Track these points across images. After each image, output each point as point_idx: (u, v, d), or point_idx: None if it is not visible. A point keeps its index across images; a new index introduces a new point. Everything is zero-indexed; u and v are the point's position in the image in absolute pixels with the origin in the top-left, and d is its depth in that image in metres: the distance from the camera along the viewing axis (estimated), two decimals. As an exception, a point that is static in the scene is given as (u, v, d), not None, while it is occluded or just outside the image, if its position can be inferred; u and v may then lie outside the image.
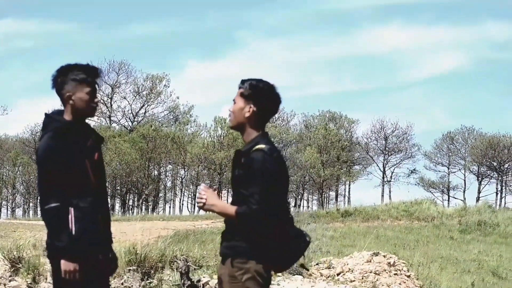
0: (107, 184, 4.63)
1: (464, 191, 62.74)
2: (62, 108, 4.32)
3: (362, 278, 12.94)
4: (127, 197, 58.46)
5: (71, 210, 4.07)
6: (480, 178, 62.33)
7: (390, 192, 61.35)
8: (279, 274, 11.45)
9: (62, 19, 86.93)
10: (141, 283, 10.17)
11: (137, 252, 10.51)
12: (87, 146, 4.21)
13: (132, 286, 10.09)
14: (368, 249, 15.52)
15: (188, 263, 10.18)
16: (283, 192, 3.99)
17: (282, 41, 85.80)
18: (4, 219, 42.37)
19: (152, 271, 10.47)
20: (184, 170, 59.08)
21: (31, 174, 56.70)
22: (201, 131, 58.40)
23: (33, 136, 58.72)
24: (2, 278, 10.47)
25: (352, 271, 13.16)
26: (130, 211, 56.51)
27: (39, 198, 4.14)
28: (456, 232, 31.37)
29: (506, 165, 60.85)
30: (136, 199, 58.34)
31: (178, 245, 12.27)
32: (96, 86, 4.25)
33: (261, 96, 3.99)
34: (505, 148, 60.13)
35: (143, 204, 56.46)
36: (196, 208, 51.67)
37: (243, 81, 4.05)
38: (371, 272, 13.12)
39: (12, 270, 10.64)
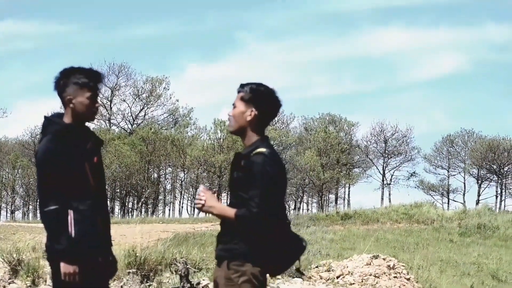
0: (106, 187, 4.63)
1: (464, 194, 62.79)
2: (62, 110, 4.32)
3: (362, 281, 12.93)
4: (127, 200, 58.43)
5: (71, 212, 4.07)
6: (480, 181, 62.32)
7: (389, 195, 61.38)
8: (279, 277, 11.44)
9: (62, 20, 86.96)
10: (140, 286, 10.16)
11: (137, 254, 10.51)
12: (87, 149, 4.21)
13: (131, 288, 10.08)
14: (368, 252, 15.52)
15: (187, 266, 10.18)
16: (282, 196, 3.99)
17: (282, 42, 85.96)
18: (4, 221, 42.35)
19: (152, 274, 10.47)
20: (184, 173, 59.08)
21: (30, 176, 56.69)
22: (201, 133, 58.44)
23: (33, 138, 58.70)
24: (2, 280, 10.46)
25: (351, 274, 13.15)
26: (130, 214, 56.49)
27: (38, 200, 4.14)
28: (455, 235, 31.35)
29: (506, 168, 60.84)
30: (135, 201, 58.32)
31: (178, 247, 12.27)
32: (97, 91, 4.25)
33: (262, 100, 3.99)
34: (505, 151, 60.12)
35: (143, 207, 56.42)
36: (196, 211, 51.82)
37: (242, 85, 4.04)
38: (370, 275, 13.11)
39: (12, 272, 10.64)
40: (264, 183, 3.80)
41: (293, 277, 11.99)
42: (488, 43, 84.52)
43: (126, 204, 58.16)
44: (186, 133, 59.42)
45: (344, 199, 63.49)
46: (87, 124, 4.33)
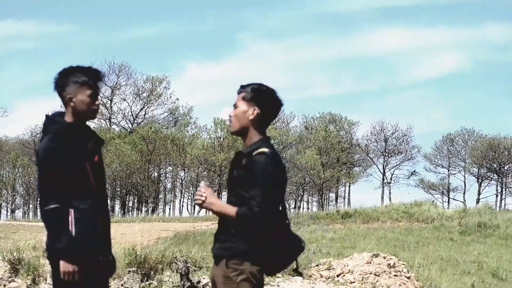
0: (107, 186, 4.64)
1: (464, 193, 62.84)
2: (63, 110, 4.33)
3: (362, 280, 12.94)
4: (127, 199, 58.46)
5: (71, 211, 4.08)
6: (480, 180, 62.35)
7: (390, 193, 61.43)
8: (279, 275, 11.46)
9: (62, 20, 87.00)
10: (141, 285, 10.17)
11: (137, 253, 10.51)
12: (88, 148, 4.22)
13: (132, 287, 10.09)
14: (369, 251, 15.52)
15: (188, 265, 10.19)
16: (282, 196, 3.99)
17: (281, 43, 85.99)
18: (4, 220, 42.35)
19: (152, 273, 10.47)
20: (184, 172, 59.10)
21: (31, 175, 56.73)
22: (201, 132, 58.46)
23: (33, 137, 58.76)
24: (2, 279, 10.48)
25: (352, 272, 13.16)
26: (130, 213, 56.50)
27: (39, 199, 4.15)
28: (456, 233, 31.37)
29: (506, 167, 60.87)
30: (136, 200, 58.35)
31: (178, 246, 12.27)
32: (98, 88, 4.26)
33: (263, 98, 4.00)
34: (505, 150, 60.15)
35: (143, 206, 56.44)
36: (196, 209, 51.80)
37: (243, 86, 4.05)
38: (371, 273, 13.11)
39: (12, 271, 10.65)
40: (266, 183, 3.81)
41: (294, 276, 12.01)
42: (488, 43, 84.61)
43: (127, 203, 58.19)
44: (186, 132, 59.45)
45: (344, 198, 63.59)
46: (87, 123, 4.34)
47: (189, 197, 59.08)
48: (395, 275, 13.37)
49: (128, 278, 10.15)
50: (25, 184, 60.20)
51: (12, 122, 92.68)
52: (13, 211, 61.88)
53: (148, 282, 10.28)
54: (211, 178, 54.35)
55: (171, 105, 61.74)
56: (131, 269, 10.24)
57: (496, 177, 61.91)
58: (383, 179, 61.60)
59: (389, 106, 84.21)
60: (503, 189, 61.89)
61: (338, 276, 13.10)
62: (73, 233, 4.05)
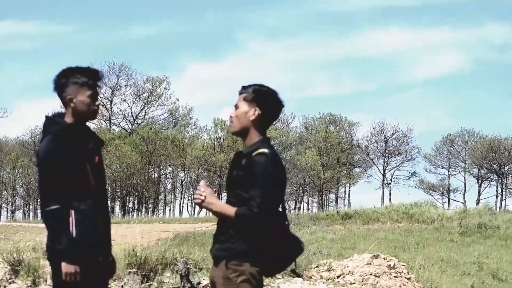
0: (107, 187, 4.63)
1: (464, 194, 62.83)
2: (63, 110, 4.32)
3: (362, 281, 12.93)
4: (127, 200, 58.45)
5: (72, 212, 4.07)
6: (480, 181, 62.34)
7: (390, 194, 61.43)
8: (279, 276, 11.45)
9: (61, 20, 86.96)
10: (141, 286, 10.16)
11: (137, 254, 10.51)
12: (88, 149, 4.22)
13: (132, 288, 10.08)
14: (369, 252, 15.52)
15: (188, 266, 10.18)
16: (282, 196, 3.99)
17: (281, 42, 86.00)
18: (4, 221, 42.35)
19: (152, 274, 10.46)
20: (184, 173, 59.10)
21: (31, 176, 56.74)
22: (201, 133, 58.46)
23: (33, 138, 58.75)
24: (2, 280, 10.47)
25: (352, 273, 13.15)
26: (130, 214, 56.50)
27: (39, 200, 4.15)
28: (456, 234, 31.37)
29: (506, 168, 60.86)
30: (136, 201, 58.34)
31: (178, 247, 12.26)
32: (98, 89, 4.25)
33: (265, 99, 4.00)
34: (506, 151, 60.14)
35: (143, 207, 56.43)
36: (196, 210, 51.78)
37: (244, 87, 4.05)
38: (371, 274, 13.11)
39: (12, 272, 10.64)
40: (265, 183, 3.80)
41: (294, 277, 12.00)
42: (488, 43, 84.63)
43: (127, 204, 58.17)
44: (186, 132, 59.45)
45: (344, 199, 63.60)
46: (88, 124, 4.34)
47: (189, 198, 59.09)
48: (395, 276, 13.36)
49: (128, 279, 10.14)
50: (25, 185, 60.20)
51: (12, 123, 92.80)
52: (13, 212, 61.91)
53: (148, 283, 10.27)
54: (211, 179, 54.34)
55: (171, 106, 61.83)
56: (131, 270, 10.23)
57: (496, 178, 61.90)
58: (383, 180, 61.62)
59: (389, 106, 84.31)
60: (503, 190, 61.91)
61: (338, 277, 13.09)
62: (74, 234, 4.05)
